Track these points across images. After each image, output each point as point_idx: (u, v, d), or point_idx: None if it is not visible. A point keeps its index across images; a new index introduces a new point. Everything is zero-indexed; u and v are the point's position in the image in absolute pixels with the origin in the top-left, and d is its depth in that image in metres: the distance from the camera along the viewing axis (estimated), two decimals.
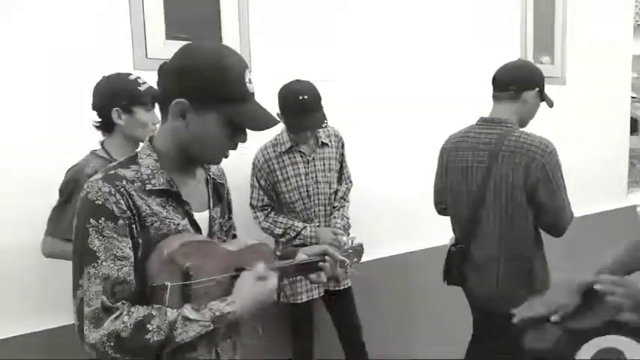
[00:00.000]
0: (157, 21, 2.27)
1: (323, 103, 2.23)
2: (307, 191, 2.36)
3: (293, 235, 2.34)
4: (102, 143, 1.87)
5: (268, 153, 2.35)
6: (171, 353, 1.07)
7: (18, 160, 2.05)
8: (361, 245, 1.74)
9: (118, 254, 1.06)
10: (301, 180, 2.35)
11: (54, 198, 1.85)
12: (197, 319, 1.07)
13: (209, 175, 1.31)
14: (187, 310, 1.07)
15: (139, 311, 1.05)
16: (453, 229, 2.16)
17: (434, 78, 3.16)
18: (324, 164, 2.40)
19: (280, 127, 2.37)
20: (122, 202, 1.08)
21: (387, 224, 3.01)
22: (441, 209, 2.24)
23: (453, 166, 2.09)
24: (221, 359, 1.25)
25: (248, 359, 1.41)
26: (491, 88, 2.06)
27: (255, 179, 2.38)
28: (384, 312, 3.05)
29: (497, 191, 1.94)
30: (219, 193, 1.33)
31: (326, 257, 1.45)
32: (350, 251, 1.68)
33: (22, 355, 2.04)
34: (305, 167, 2.36)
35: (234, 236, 1.43)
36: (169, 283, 1.08)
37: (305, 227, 2.34)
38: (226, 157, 1.20)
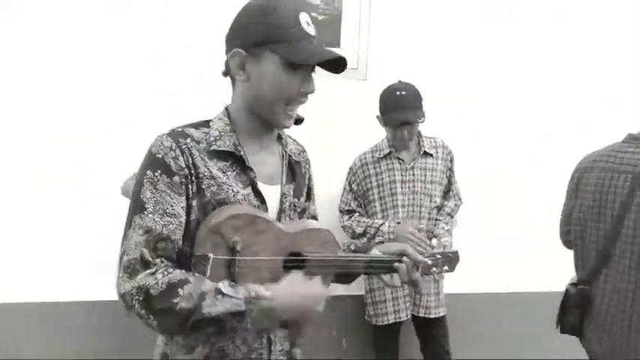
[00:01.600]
0: None
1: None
2: (402, 200, 2.21)
3: (372, 233, 2.19)
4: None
5: (366, 158, 2.30)
6: (198, 326, 1.00)
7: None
8: (456, 253, 1.47)
9: (167, 210, 1.04)
10: (396, 188, 2.22)
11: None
12: (230, 295, 0.99)
13: (285, 150, 1.26)
14: (222, 285, 1.01)
15: (176, 274, 1.01)
16: (576, 266, 1.82)
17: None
18: (425, 174, 2.24)
19: (381, 136, 2.34)
20: (181, 158, 1.06)
21: (500, 256, 2.73)
22: (568, 241, 1.90)
23: (584, 189, 1.74)
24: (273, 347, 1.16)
25: None
26: None
27: (347, 182, 2.34)
28: (480, 351, 2.74)
29: (639, 226, 1.56)
30: (294, 171, 1.27)
31: (404, 258, 1.28)
32: (439, 257, 1.41)
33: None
34: (402, 175, 2.23)
35: None
36: (212, 255, 1.02)
37: (384, 223, 2.18)
38: (292, 116, 1.15)
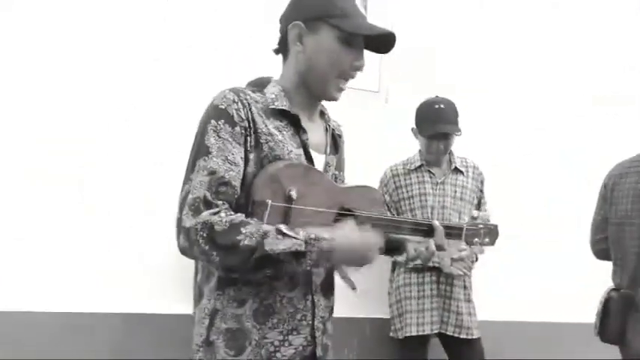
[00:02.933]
0: None
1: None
2: (431, 214, 2.22)
3: None
4: None
5: (397, 169, 2.34)
6: (259, 264, 1.05)
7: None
8: (496, 227, 1.48)
9: (229, 157, 1.11)
10: (426, 200, 2.25)
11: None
12: (290, 235, 1.07)
13: (328, 124, 1.34)
14: (283, 226, 1.08)
15: (237, 215, 1.08)
16: (614, 272, 1.82)
17: None
18: (455, 191, 2.29)
19: (414, 150, 2.39)
20: (242, 111, 1.14)
21: (537, 281, 2.74)
22: (600, 250, 1.92)
23: (619, 194, 1.76)
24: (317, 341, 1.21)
25: None
26: None
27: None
28: None
29: None
30: (336, 144, 1.36)
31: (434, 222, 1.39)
32: (480, 226, 1.43)
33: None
34: (432, 188, 2.27)
35: None
36: (270, 202, 1.09)
37: None
38: (343, 89, 1.24)
